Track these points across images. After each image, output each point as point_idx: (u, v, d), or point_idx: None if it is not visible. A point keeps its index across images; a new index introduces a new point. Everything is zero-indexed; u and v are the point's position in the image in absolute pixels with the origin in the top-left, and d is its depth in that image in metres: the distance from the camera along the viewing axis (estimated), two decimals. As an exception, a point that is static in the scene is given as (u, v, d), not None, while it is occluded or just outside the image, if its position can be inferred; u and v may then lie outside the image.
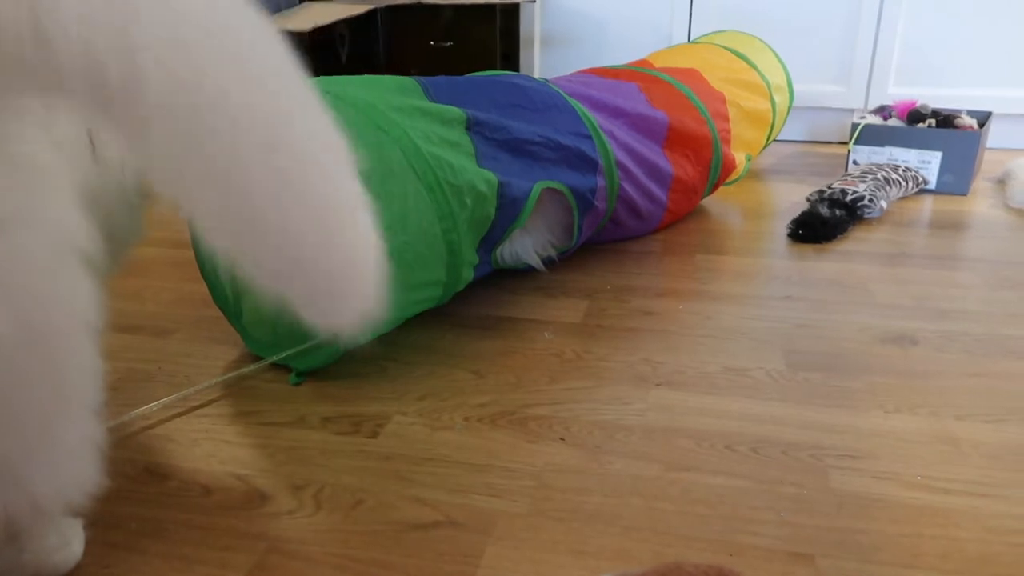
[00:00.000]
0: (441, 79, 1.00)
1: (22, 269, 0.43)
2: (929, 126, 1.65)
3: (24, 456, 0.45)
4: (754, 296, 1.09)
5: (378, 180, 0.79)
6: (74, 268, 0.46)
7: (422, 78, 0.98)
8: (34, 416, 0.45)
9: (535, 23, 2.24)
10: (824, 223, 1.33)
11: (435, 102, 0.94)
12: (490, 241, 0.98)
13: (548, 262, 1.17)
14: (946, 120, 1.65)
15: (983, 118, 1.71)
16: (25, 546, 0.53)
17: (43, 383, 0.44)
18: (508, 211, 0.96)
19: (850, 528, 0.61)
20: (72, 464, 0.48)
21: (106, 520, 0.63)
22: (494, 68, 2.07)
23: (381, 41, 2.11)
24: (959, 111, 1.69)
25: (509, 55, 2.20)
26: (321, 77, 0.88)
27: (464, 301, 1.07)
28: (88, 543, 0.60)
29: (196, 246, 0.92)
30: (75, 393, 0.47)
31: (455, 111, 0.93)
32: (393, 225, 0.79)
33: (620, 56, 2.23)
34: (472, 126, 0.95)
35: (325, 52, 2.14)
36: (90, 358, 0.48)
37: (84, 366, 0.47)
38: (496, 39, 2.05)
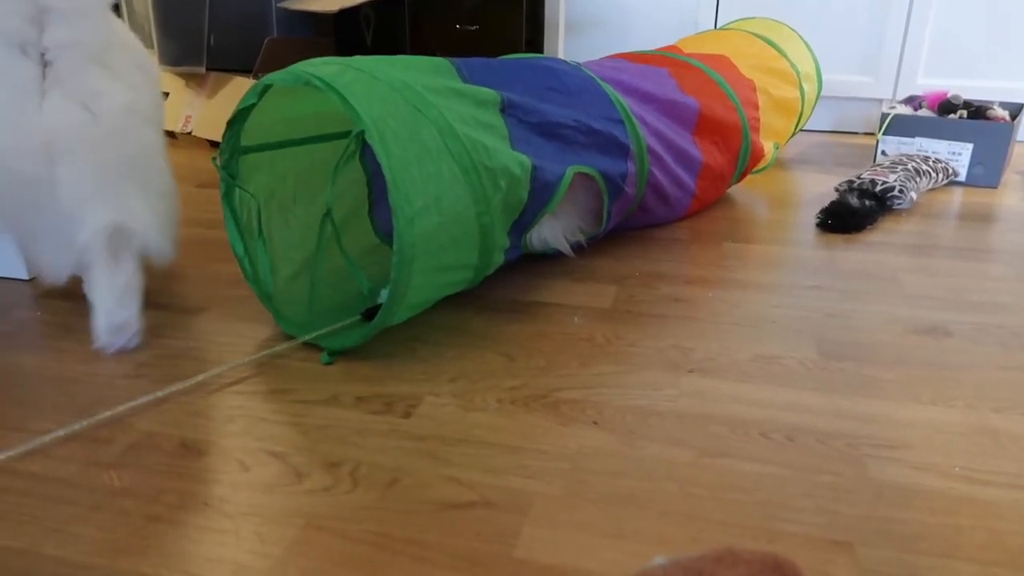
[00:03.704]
0: (475, 61, 0.99)
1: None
2: (960, 117, 1.63)
3: (126, 184, 0.86)
4: (783, 285, 1.08)
5: (414, 160, 0.79)
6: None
7: (456, 59, 0.97)
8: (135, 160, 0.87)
9: (560, 8, 2.22)
10: (853, 213, 1.32)
11: (469, 84, 0.94)
12: (521, 225, 0.97)
13: (576, 248, 1.16)
14: (978, 111, 1.63)
15: (1015, 110, 1.69)
16: (123, 266, 0.87)
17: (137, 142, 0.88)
18: (540, 195, 0.96)
19: (889, 517, 0.61)
20: (159, 201, 0.91)
21: (145, 492, 0.64)
22: (519, 53, 2.06)
23: (407, 24, 2.10)
24: (991, 103, 1.67)
25: (534, 40, 2.18)
26: (357, 56, 0.88)
27: (493, 285, 1.07)
28: (127, 515, 0.61)
29: (230, 225, 0.92)
30: (154, 155, 0.92)
31: (489, 93, 0.93)
32: (428, 206, 0.79)
33: (645, 42, 2.22)
34: (506, 108, 0.94)
35: (351, 34, 2.13)
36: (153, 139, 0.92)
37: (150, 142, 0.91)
38: (521, 24, 2.03)
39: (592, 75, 1.14)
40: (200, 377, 0.82)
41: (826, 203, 1.38)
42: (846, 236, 1.29)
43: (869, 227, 1.33)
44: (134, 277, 0.89)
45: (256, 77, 1.94)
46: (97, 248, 0.85)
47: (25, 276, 1.09)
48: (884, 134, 1.67)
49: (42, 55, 0.79)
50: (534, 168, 0.93)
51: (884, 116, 1.67)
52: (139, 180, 0.87)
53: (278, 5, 1.96)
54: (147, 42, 2.07)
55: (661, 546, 0.58)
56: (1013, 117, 1.64)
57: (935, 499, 0.63)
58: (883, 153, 1.68)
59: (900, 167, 1.48)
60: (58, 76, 0.80)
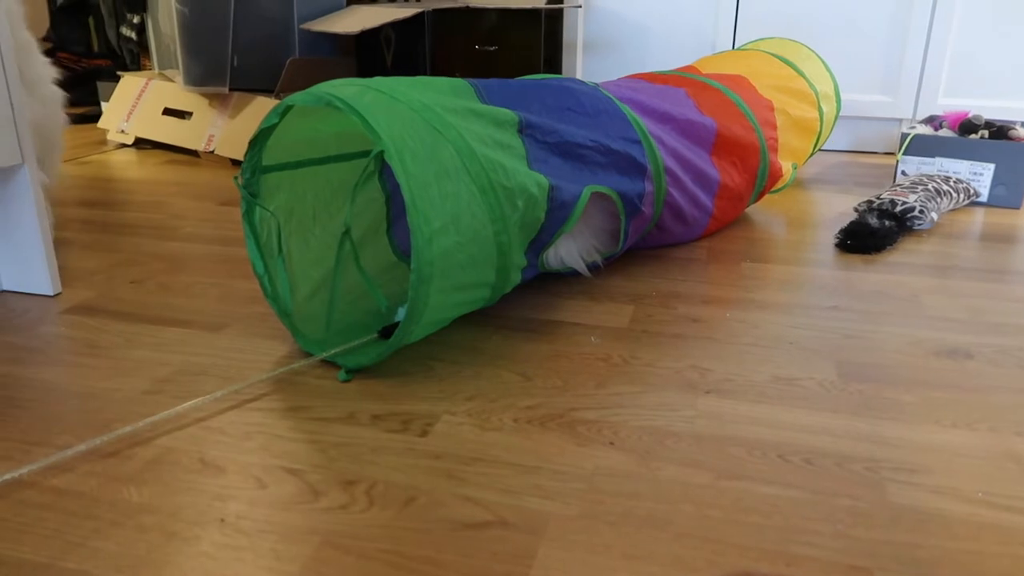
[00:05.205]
0: (493, 81, 1.00)
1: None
2: (982, 137, 1.62)
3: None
4: (801, 305, 1.08)
5: (432, 180, 0.79)
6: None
7: (474, 80, 0.98)
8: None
9: (578, 29, 2.24)
10: (873, 233, 1.31)
11: (487, 104, 0.94)
12: (538, 244, 0.98)
13: (593, 267, 1.16)
14: (999, 131, 1.62)
15: (1037, 130, 1.67)
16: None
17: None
18: (557, 215, 0.96)
19: (909, 542, 0.60)
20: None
21: (164, 508, 0.64)
22: (537, 72, 2.08)
23: (427, 44, 2.13)
24: (1013, 123, 1.66)
25: (552, 60, 2.20)
26: (377, 78, 0.89)
27: (509, 304, 1.07)
28: (146, 530, 0.62)
29: (250, 244, 0.93)
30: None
31: (508, 113, 0.94)
32: (446, 225, 0.80)
33: (663, 62, 2.23)
34: (524, 129, 0.95)
35: (371, 54, 2.16)
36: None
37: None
38: (540, 44, 2.05)
39: (610, 95, 1.15)
40: (219, 393, 0.82)
41: (845, 223, 1.37)
42: (865, 257, 1.29)
43: (889, 248, 1.33)
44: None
45: (278, 97, 1.97)
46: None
47: (51, 292, 1.11)
48: (904, 154, 1.66)
49: None
50: (551, 188, 0.94)
51: (904, 136, 1.66)
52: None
53: (300, 27, 1.99)
54: (172, 62, 2.11)
55: (677, 569, 0.58)
56: (1035, 137, 1.63)
57: (956, 524, 0.62)
58: (903, 173, 1.67)
59: (920, 187, 1.47)
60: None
